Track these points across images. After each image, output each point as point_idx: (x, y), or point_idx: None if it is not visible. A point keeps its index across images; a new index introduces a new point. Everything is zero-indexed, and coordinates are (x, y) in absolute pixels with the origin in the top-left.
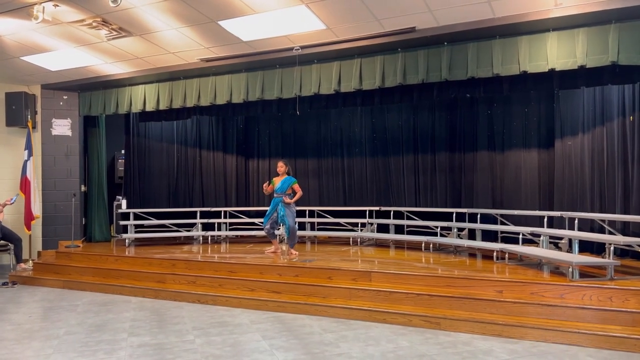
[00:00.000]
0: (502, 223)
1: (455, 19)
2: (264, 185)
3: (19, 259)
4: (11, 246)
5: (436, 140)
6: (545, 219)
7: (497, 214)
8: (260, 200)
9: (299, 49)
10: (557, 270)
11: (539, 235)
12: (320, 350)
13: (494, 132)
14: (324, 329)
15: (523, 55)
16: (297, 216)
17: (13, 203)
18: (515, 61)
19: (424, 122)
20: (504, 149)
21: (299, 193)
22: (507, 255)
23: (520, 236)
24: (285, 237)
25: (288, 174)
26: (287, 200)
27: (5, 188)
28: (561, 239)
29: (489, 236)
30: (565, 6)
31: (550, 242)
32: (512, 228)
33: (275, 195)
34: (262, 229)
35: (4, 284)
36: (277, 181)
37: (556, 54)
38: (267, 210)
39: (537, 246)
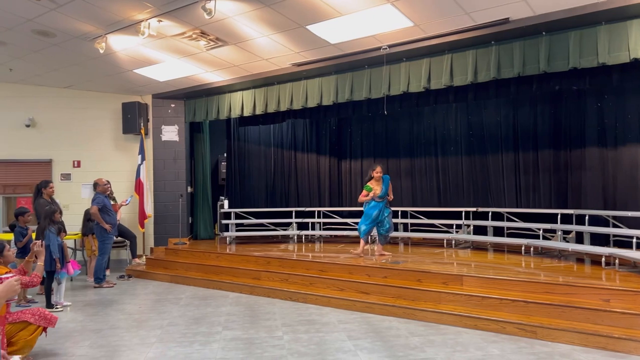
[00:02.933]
0: (615, 226)
1: (554, 7)
2: (370, 194)
3: (134, 254)
4: (127, 242)
5: (539, 136)
6: None
7: (608, 216)
8: (353, 200)
9: (386, 48)
10: None
11: None
12: (405, 354)
13: (605, 126)
14: (411, 332)
15: (634, 41)
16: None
17: (128, 204)
18: (625, 48)
19: (524, 118)
20: (616, 144)
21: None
22: (617, 261)
23: (634, 240)
24: (380, 237)
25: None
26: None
27: (123, 189)
28: None
29: (599, 240)
30: None
31: None
32: (625, 231)
33: (377, 200)
34: (354, 229)
35: (121, 276)
36: (376, 185)
37: None
38: (362, 212)
39: None
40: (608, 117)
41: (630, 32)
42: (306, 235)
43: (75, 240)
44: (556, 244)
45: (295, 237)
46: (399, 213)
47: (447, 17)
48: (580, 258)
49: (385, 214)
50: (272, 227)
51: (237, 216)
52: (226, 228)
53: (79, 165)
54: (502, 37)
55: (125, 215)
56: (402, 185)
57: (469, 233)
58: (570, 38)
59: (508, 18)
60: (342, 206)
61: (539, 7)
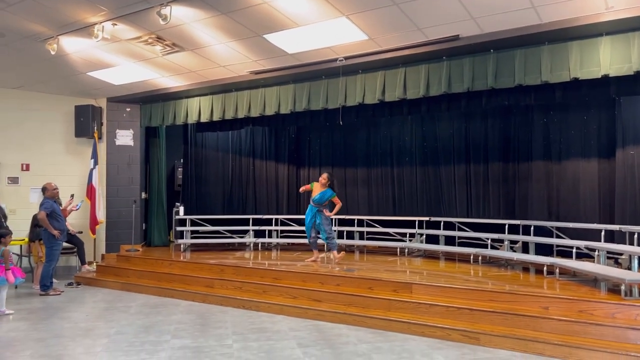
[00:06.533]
0: (558, 236)
1: (500, 26)
2: (305, 187)
3: (82, 261)
4: (76, 249)
5: (489, 149)
6: (603, 233)
7: (552, 227)
8: None
9: (342, 60)
10: (616, 288)
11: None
12: None
13: (550, 140)
14: (360, 339)
15: (574, 61)
16: (347, 225)
17: (78, 209)
18: (566, 68)
19: (476, 131)
20: (560, 158)
21: (339, 205)
22: (557, 270)
23: (574, 250)
24: (326, 244)
25: (329, 186)
26: (327, 213)
27: (74, 194)
28: (621, 254)
29: (544, 249)
30: (617, 9)
31: (610, 258)
32: (566, 242)
33: (312, 204)
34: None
35: (69, 284)
36: (317, 189)
37: (609, 60)
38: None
39: (593, 261)
40: (553, 132)
41: (570, 53)
42: (263, 243)
43: (21, 246)
44: (503, 253)
45: (252, 245)
46: (355, 221)
47: (401, 32)
48: (525, 267)
49: (318, 221)
50: (229, 235)
51: (193, 223)
52: (181, 235)
53: (27, 169)
54: (453, 53)
55: (75, 221)
56: (359, 194)
57: (421, 242)
58: (516, 56)
59: (458, 35)
60: (300, 214)
61: (487, 26)
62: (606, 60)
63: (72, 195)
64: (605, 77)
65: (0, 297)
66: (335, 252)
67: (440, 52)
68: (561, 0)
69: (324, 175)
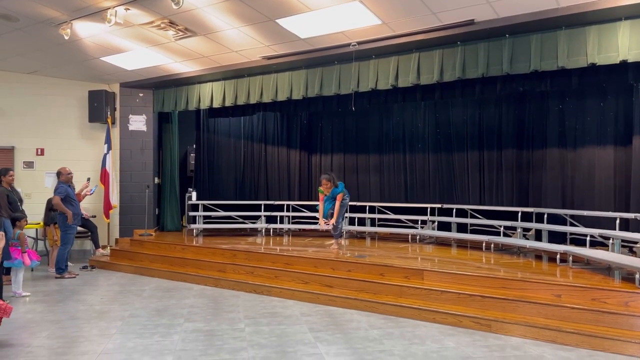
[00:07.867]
0: (572, 224)
1: (516, 10)
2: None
3: (96, 245)
4: (89, 233)
5: (503, 136)
6: (618, 221)
7: (566, 215)
8: None
9: (355, 45)
10: (630, 276)
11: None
12: (363, 346)
13: (566, 127)
14: (371, 325)
15: (591, 46)
16: (358, 212)
17: (92, 193)
18: (583, 53)
19: (490, 117)
20: (576, 145)
21: (338, 202)
22: (570, 258)
23: (588, 238)
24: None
25: (334, 185)
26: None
27: (90, 178)
28: (636, 242)
29: (557, 237)
30: None
31: (625, 246)
32: (580, 230)
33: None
34: None
35: (84, 267)
36: (327, 191)
37: (628, 45)
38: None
39: (607, 249)
40: (569, 118)
41: (587, 38)
42: (274, 229)
43: (37, 229)
44: (515, 240)
45: (264, 231)
46: (367, 208)
47: (415, 16)
48: (538, 255)
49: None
50: (241, 220)
51: (205, 208)
52: (194, 220)
53: (42, 153)
54: (467, 38)
55: (89, 205)
56: (371, 180)
57: (433, 229)
58: (532, 41)
59: (473, 19)
60: (311, 200)
61: (502, 10)
62: (625, 45)
63: (89, 179)
64: (624, 63)
65: (17, 280)
66: (335, 241)
67: (455, 36)
68: None
69: (323, 181)
